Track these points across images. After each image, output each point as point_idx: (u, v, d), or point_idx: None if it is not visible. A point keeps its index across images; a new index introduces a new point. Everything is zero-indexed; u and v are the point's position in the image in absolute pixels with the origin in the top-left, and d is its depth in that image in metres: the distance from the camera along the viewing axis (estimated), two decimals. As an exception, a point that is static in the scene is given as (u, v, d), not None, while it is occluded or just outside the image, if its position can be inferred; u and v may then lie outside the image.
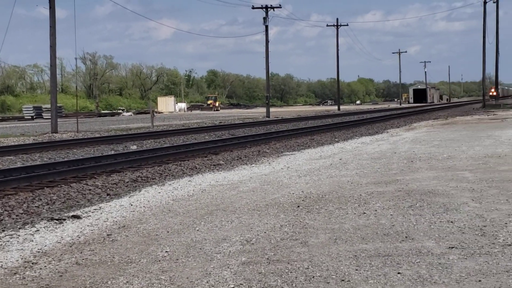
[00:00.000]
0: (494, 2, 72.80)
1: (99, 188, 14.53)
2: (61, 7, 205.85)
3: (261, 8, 65.48)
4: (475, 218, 8.67)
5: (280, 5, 66.89)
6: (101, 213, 10.56)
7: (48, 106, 61.80)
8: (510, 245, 7.18)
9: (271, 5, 65.38)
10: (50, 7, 39.36)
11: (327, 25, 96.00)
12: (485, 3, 74.57)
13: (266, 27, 65.29)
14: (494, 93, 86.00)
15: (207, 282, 6.34)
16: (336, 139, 28.22)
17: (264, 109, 73.55)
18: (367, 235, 7.93)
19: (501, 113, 51.32)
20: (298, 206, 10.17)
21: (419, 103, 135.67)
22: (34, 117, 75.81)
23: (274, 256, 7.15)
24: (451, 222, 8.48)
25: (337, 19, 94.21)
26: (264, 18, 64.71)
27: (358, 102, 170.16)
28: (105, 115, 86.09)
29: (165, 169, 17.97)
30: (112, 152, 23.44)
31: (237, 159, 20.43)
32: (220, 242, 7.93)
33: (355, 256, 7.00)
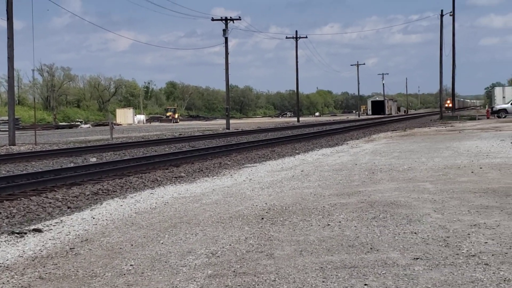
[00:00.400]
0: (450, 15, 73.90)
1: (60, 201, 14.35)
2: (18, 18, 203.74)
3: (221, 20, 65.66)
4: (438, 229, 8.75)
5: (239, 17, 67.39)
6: (62, 227, 10.43)
7: (5, 118, 60.94)
8: (474, 255, 7.25)
9: (230, 17, 65.73)
10: (7, 18, 38.83)
11: (286, 37, 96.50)
12: (441, 16, 75.76)
13: (226, 39, 65.42)
14: (450, 105, 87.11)
15: (174, 295, 6.30)
16: (297, 151, 28.31)
17: (223, 121, 73.56)
18: (333, 247, 7.96)
19: (458, 124, 52.02)
20: (262, 218, 10.16)
21: (377, 115, 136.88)
22: (-9, 129, 74.74)
23: (240, 269, 7.13)
24: (415, 233, 8.55)
25: (296, 31, 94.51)
26: (224, 30, 64.85)
27: (317, 114, 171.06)
28: (63, 127, 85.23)
29: (126, 181, 17.83)
30: (72, 165, 23.20)
31: (199, 171, 20.37)
32: (185, 255, 7.88)
33: (321, 268, 7.01)
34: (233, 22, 65.95)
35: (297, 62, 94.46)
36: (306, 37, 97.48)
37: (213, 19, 67.49)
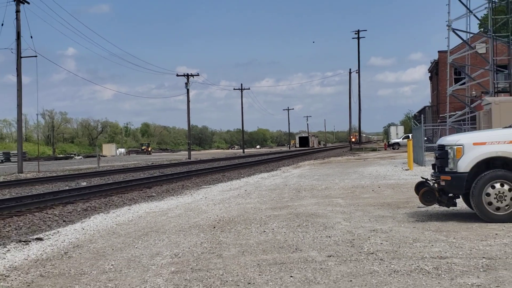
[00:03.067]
0: (356, 72, 75.51)
1: (57, 216, 14.11)
2: (25, 74, 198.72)
3: (183, 75, 65.71)
4: (346, 233, 8.87)
5: (198, 73, 68.75)
6: (59, 236, 10.25)
7: (15, 151, 59.73)
8: (372, 253, 7.37)
9: (191, 73, 65.81)
10: (17, 75, 38.23)
11: (234, 89, 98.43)
12: (350, 73, 77.52)
13: (188, 90, 65.41)
14: (353, 139, 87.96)
15: (145, 287, 6.26)
16: (242, 175, 28.33)
17: (186, 153, 73.11)
18: (267, 248, 7.99)
19: (363, 154, 52.69)
20: (214, 227, 10.15)
21: (303, 147, 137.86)
22: (4, 160, 72.88)
23: (196, 266, 7.11)
24: (329, 236, 8.64)
25: (241, 84, 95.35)
26: (186, 83, 64.84)
27: (258, 146, 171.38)
28: (60, 158, 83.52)
29: (109, 200, 17.62)
30: (67, 188, 22.81)
31: (166, 192, 20.23)
32: (154, 256, 7.83)
33: (258, 264, 7.04)
34: (193, 77, 66.10)
35: (242, 107, 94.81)
36: (249, 89, 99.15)
37: (177, 75, 67.51)
